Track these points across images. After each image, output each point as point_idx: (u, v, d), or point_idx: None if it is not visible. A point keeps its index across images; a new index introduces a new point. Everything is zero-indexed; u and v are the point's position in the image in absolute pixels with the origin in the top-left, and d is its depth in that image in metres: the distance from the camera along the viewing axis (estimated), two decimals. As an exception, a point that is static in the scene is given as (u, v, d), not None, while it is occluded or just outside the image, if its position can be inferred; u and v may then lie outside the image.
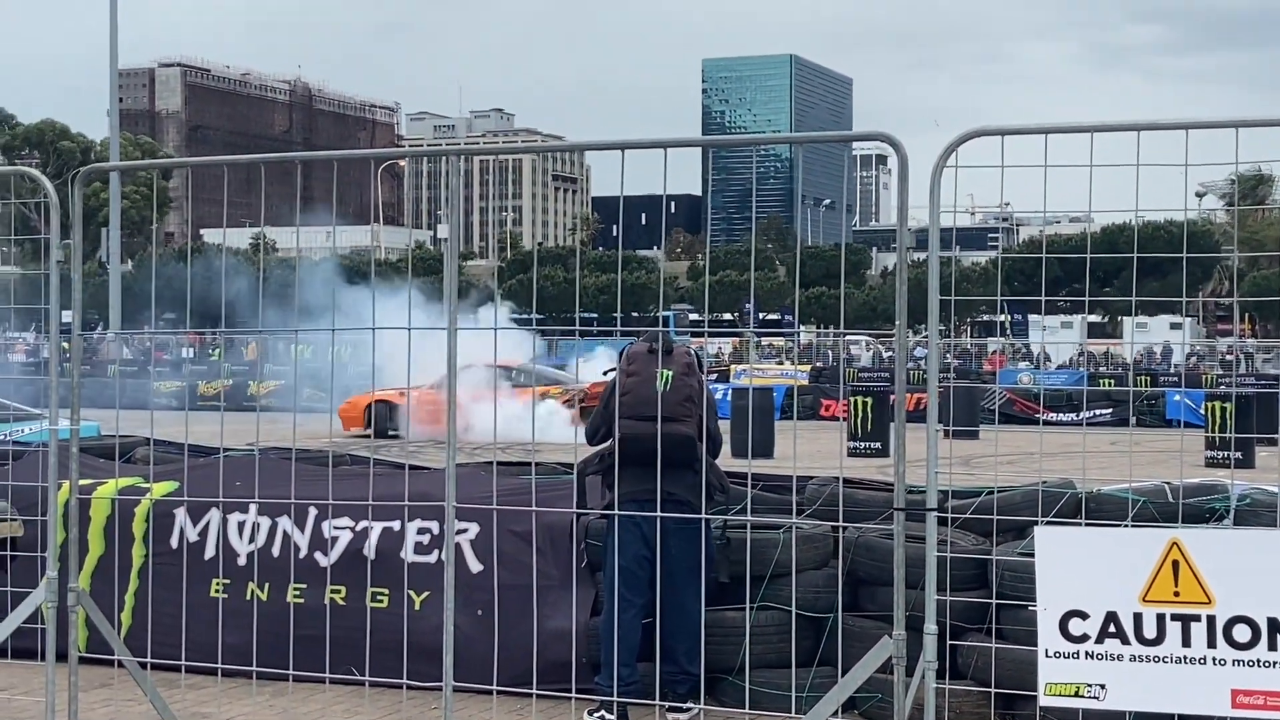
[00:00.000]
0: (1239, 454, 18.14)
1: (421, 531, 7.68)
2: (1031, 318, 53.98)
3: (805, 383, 34.67)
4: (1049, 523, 5.64)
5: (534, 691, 6.23)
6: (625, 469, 6.71)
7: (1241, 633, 4.72)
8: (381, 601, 7.56)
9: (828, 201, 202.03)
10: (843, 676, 5.49)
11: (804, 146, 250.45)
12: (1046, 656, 4.88)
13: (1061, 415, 30.87)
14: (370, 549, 7.65)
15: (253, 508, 7.74)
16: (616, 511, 6.73)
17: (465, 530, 7.51)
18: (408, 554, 7.62)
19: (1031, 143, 5.36)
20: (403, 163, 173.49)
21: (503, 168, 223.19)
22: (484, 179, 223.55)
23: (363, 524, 7.72)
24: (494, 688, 6.32)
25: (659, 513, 6.14)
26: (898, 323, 5.18)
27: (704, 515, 6.56)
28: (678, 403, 6.94)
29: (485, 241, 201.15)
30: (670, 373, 7.01)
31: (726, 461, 7.49)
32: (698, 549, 6.76)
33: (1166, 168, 5.23)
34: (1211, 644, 4.71)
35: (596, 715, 6.97)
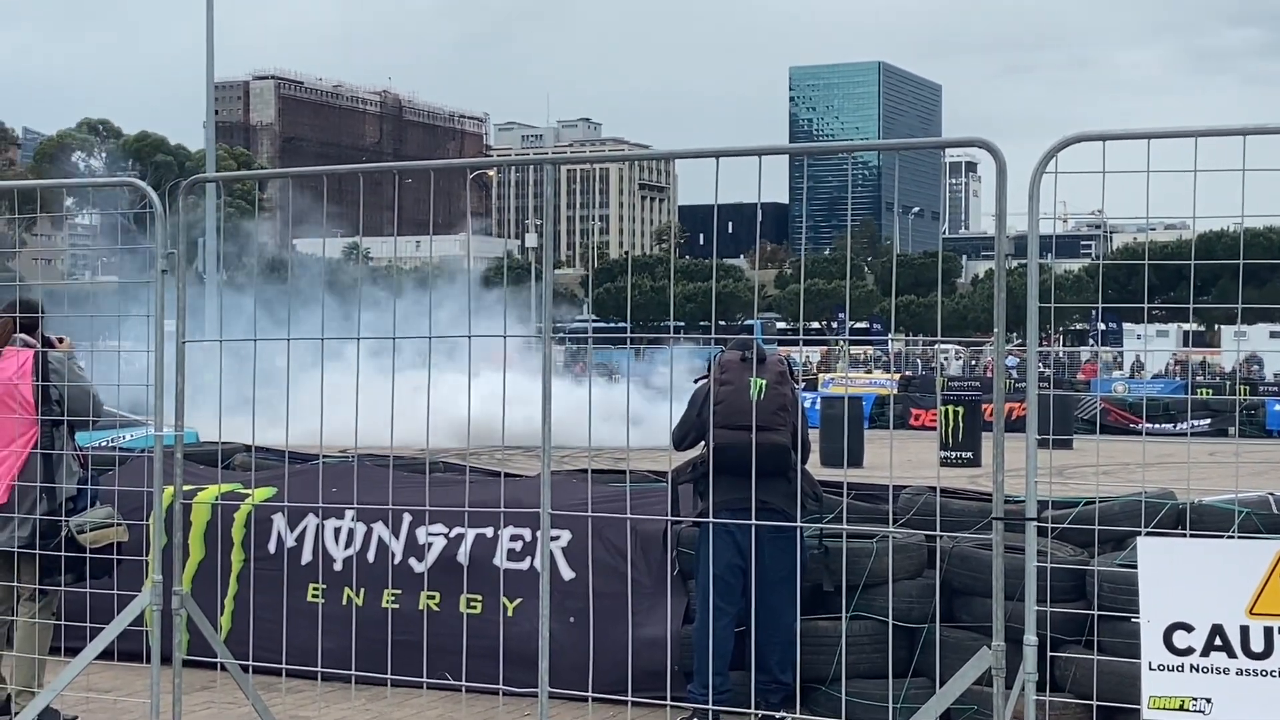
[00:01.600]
0: (1342, 465, 17.76)
1: (514, 538, 7.72)
2: (1126, 326, 53.24)
3: (895, 391, 34.44)
4: (1151, 533, 5.55)
5: (629, 699, 6.24)
6: (719, 477, 6.70)
7: (1352, 647, 4.61)
8: (475, 608, 7.62)
9: (916, 209, 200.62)
10: (939, 687, 5.44)
11: (891, 154, 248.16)
12: (1150, 669, 4.80)
13: (1157, 425, 30.40)
14: (464, 555, 7.71)
15: (349, 513, 7.83)
16: (711, 519, 6.72)
17: (558, 538, 7.54)
18: (501, 560, 7.66)
19: (1127, 149, 5.29)
20: (492, 172, 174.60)
21: (589, 176, 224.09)
22: (570, 188, 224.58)
23: (456, 530, 7.78)
24: (589, 694, 6.33)
25: (754, 521, 6.12)
26: (996, 330, 5.14)
27: (799, 524, 6.53)
28: (771, 412, 6.93)
29: (572, 250, 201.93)
30: (764, 382, 7.00)
31: (817, 470, 7.47)
32: (792, 558, 6.73)
33: (1264, 175, 5.13)
34: (1321, 658, 4.61)
35: (689, 723, 6.97)
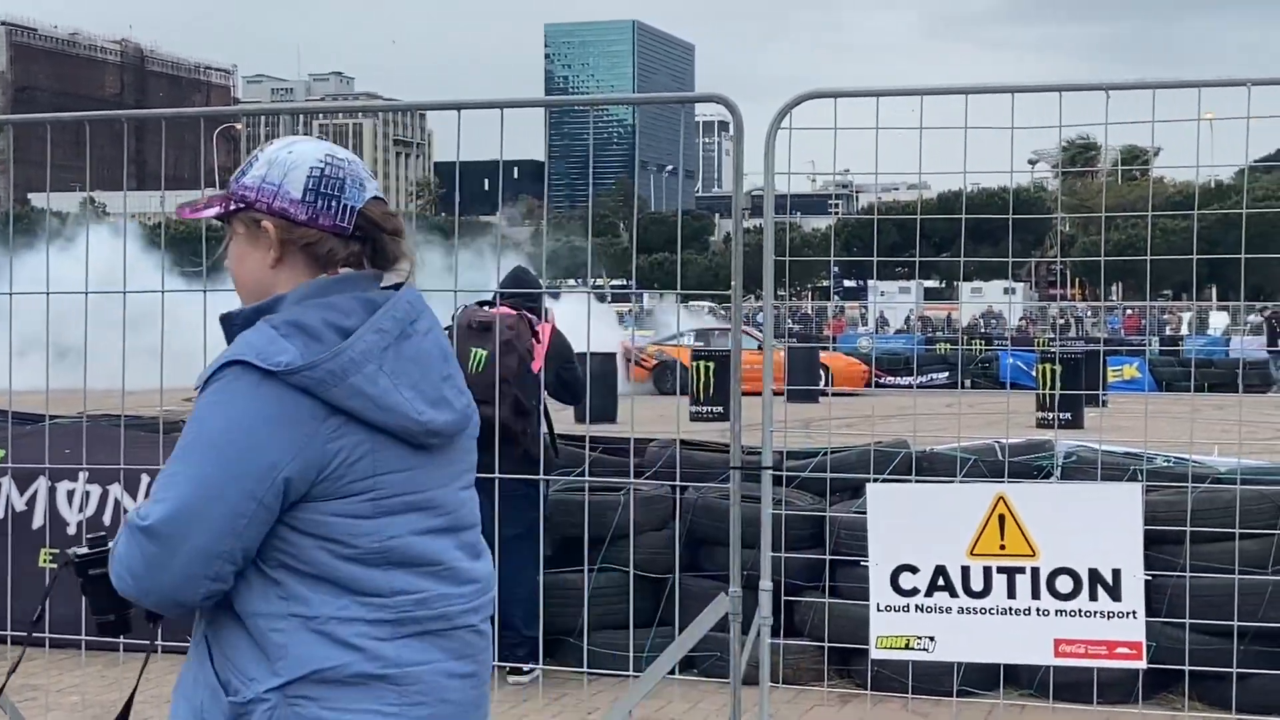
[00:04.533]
0: (1067, 414, 18.66)
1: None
2: (870, 283, 54.91)
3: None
4: (881, 480, 5.76)
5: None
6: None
7: (1064, 584, 4.87)
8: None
9: (669, 167, 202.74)
10: (680, 635, 5.54)
11: (646, 112, 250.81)
12: (878, 610, 4.99)
13: (900, 379, 31.43)
14: (204, 517, 7.50)
15: (82, 476, 7.53)
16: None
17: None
18: (244, 521, 7.49)
19: (871, 109, 5.44)
20: (239, 126, 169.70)
21: (343, 132, 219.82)
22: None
23: (197, 491, 7.56)
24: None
25: (498, 474, 6.10)
26: (734, 283, 5.23)
27: (542, 478, 6.55)
28: (487, 386, 6.72)
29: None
30: (484, 353, 6.86)
31: (569, 427, 7.49)
32: (526, 517, 6.70)
33: (999, 136, 5.34)
34: (1035, 595, 4.86)
35: (437, 679, 6.95)
